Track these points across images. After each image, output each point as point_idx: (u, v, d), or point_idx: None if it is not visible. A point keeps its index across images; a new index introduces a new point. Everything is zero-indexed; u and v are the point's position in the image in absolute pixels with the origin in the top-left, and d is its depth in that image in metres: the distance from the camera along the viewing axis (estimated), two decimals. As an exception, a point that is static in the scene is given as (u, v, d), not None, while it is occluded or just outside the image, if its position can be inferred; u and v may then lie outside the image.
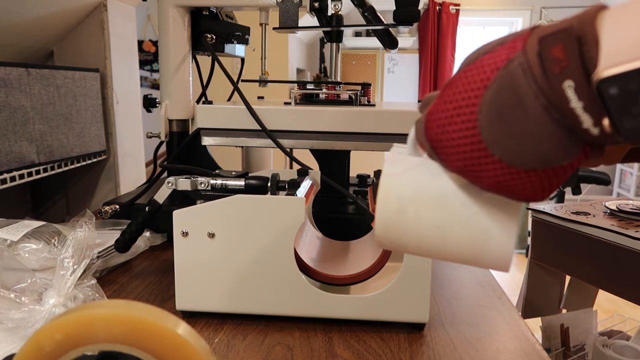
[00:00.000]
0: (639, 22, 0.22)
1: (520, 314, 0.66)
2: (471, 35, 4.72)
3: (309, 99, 0.90)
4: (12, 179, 0.85)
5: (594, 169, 3.32)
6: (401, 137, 0.77)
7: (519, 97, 0.25)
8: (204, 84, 0.97)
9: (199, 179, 0.62)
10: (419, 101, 0.99)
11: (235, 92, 0.85)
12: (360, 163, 1.06)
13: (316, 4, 0.84)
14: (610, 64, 0.22)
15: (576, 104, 0.24)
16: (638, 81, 0.22)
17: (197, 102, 0.94)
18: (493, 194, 0.30)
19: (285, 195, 0.56)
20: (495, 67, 0.27)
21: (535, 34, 0.25)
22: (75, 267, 0.53)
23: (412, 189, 0.33)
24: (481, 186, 0.30)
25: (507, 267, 0.31)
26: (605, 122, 0.23)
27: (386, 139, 0.77)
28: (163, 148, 0.96)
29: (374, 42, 4.13)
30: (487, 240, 0.31)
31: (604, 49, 0.23)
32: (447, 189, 0.32)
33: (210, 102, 0.85)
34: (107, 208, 0.82)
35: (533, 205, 1.29)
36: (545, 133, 0.25)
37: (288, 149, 0.80)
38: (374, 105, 0.86)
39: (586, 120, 0.24)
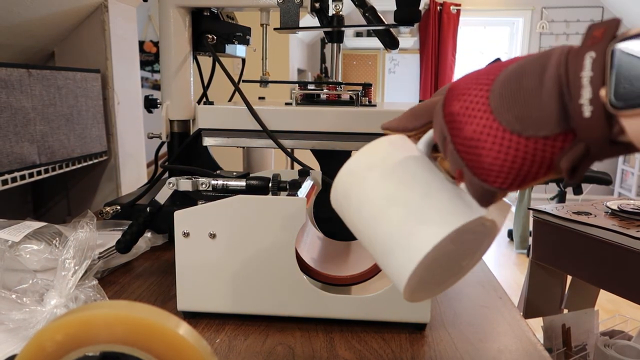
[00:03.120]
0: None
1: (521, 314, 0.66)
2: (472, 36, 4.72)
3: (309, 100, 0.90)
4: (14, 179, 0.85)
5: (594, 168, 3.31)
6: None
7: (542, 66, 0.28)
8: (205, 84, 0.97)
9: (200, 179, 0.62)
10: (420, 101, 0.99)
11: (236, 93, 0.85)
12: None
13: (317, 5, 0.84)
14: (629, 35, 0.25)
15: (587, 72, 0.26)
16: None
17: (198, 102, 0.94)
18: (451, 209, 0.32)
19: (287, 195, 0.56)
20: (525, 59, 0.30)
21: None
22: (76, 267, 0.53)
23: (391, 155, 0.35)
24: (470, 165, 0.31)
25: (400, 287, 0.33)
26: (603, 92, 0.25)
27: (387, 139, 0.77)
28: (164, 149, 0.96)
29: (374, 42, 4.13)
30: (405, 244, 0.32)
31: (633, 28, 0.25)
32: (417, 172, 0.34)
33: (211, 103, 0.85)
34: (108, 209, 0.82)
35: (535, 205, 1.29)
36: (548, 99, 0.27)
37: (289, 150, 0.80)
38: (375, 105, 0.86)
39: (585, 94, 0.26)
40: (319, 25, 0.87)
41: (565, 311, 1.31)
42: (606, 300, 2.36)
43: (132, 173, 1.25)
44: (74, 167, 1.03)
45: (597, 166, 3.70)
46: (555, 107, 0.27)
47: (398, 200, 0.33)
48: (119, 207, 0.84)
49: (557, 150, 0.28)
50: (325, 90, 0.90)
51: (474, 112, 0.30)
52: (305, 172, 0.68)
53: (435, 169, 0.34)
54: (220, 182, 0.62)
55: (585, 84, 0.26)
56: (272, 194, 0.59)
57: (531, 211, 1.24)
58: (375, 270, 0.56)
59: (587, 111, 0.26)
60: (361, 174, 0.36)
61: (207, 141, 0.82)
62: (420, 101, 1.02)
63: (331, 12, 0.86)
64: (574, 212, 1.17)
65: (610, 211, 1.16)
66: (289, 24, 0.82)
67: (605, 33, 0.26)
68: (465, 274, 0.37)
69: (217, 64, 0.86)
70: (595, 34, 0.26)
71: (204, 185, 0.61)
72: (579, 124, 0.26)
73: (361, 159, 0.36)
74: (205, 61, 0.96)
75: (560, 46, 0.28)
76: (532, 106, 0.28)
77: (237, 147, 0.85)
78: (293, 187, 0.59)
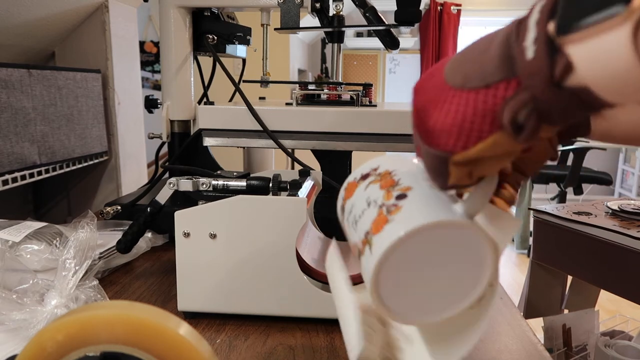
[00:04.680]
0: None
1: (522, 314, 0.66)
2: (473, 36, 4.72)
3: (310, 100, 0.90)
4: (14, 179, 0.85)
5: (595, 169, 3.31)
6: (403, 138, 0.77)
7: (495, 33, 0.28)
8: (206, 84, 0.98)
9: (200, 179, 0.62)
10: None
11: (237, 93, 0.85)
12: (361, 163, 1.06)
13: (317, 5, 0.84)
14: None
15: (533, 17, 0.25)
16: None
17: (199, 102, 0.94)
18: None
19: (287, 196, 0.56)
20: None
21: None
22: (77, 268, 0.53)
23: (386, 163, 0.37)
24: (422, 133, 0.30)
25: (368, 285, 0.32)
26: (550, 26, 0.24)
27: (388, 139, 0.77)
28: (164, 149, 0.96)
29: (375, 42, 4.13)
30: (375, 240, 0.32)
31: None
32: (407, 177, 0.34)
33: (212, 103, 0.85)
34: (108, 209, 0.82)
35: (535, 205, 1.29)
36: (493, 51, 0.27)
37: (289, 150, 0.80)
38: (375, 105, 0.86)
39: (530, 36, 0.25)
40: (319, 25, 0.87)
41: (566, 311, 1.31)
42: (607, 301, 2.36)
43: (133, 173, 1.25)
44: (75, 167, 1.03)
45: (597, 166, 3.70)
46: (497, 54, 0.26)
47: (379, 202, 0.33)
48: (119, 207, 0.84)
49: (499, 100, 0.26)
50: (325, 91, 0.90)
51: (430, 89, 0.31)
52: (305, 172, 0.68)
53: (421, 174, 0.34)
54: (220, 182, 0.62)
55: (530, 27, 0.25)
56: (273, 194, 0.59)
57: (531, 211, 1.24)
58: (375, 271, 0.56)
59: (529, 52, 0.25)
60: (354, 184, 0.36)
61: (208, 141, 0.82)
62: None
63: (332, 12, 0.86)
64: (574, 212, 1.17)
65: (610, 211, 1.16)
66: (290, 24, 0.82)
67: None
68: (473, 304, 0.33)
69: (217, 64, 0.86)
70: None
71: (204, 186, 0.61)
72: (521, 67, 0.25)
73: (357, 172, 0.37)
74: (206, 61, 0.96)
75: None
76: (478, 62, 0.28)
77: (238, 147, 0.85)
78: (293, 187, 0.59)
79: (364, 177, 0.37)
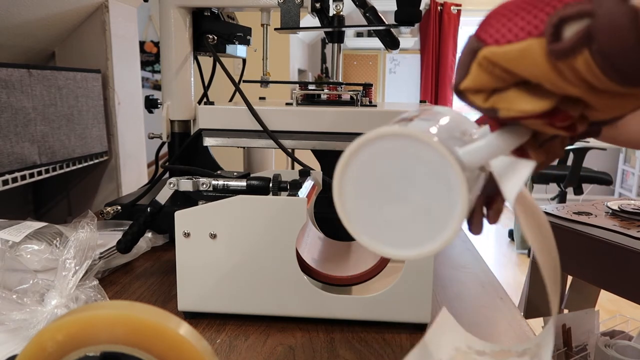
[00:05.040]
0: None
1: (522, 314, 0.66)
2: (472, 36, 4.71)
3: (310, 100, 0.90)
4: (14, 180, 0.85)
5: (595, 169, 3.31)
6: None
7: None
8: (206, 84, 0.97)
9: (200, 179, 0.62)
10: (421, 101, 0.99)
11: (237, 93, 0.85)
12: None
13: (317, 5, 0.84)
14: None
15: None
16: None
17: (199, 102, 0.94)
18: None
19: (287, 195, 0.56)
20: None
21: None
22: (77, 268, 0.53)
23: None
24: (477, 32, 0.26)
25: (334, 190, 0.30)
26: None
27: (388, 139, 0.77)
28: (165, 149, 0.96)
29: (375, 42, 4.13)
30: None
31: None
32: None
33: (212, 103, 0.85)
34: (109, 209, 0.82)
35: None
36: None
37: (289, 150, 0.80)
38: (375, 105, 0.86)
39: None
40: (319, 25, 0.87)
41: (566, 311, 1.31)
42: (607, 301, 2.36)
43: (133, 173, 1.25)
44: (75, 167, 1.03)
45: (597, 166, 3.70)
46: None
47: None
48: (119, 207, 0.84)
49: (558, 2, 0.22)
50: (325, 91, 0.90)
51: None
52: (305, 172, 0.68)
53: None
54: (220, 182, 0.62)
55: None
56: (273, 194, 0.59)
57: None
58: (376, 271, 0.56)
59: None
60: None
61: (208, 141, 0.82)
62: (420, 102, 1.02)
63: (332, 12, 0.86)
64: (574, 212, 1.17)
65: (610, 211, 1.16)
66: (290, 24, 0.82)
67: None
68: (439, 234, 0.29)
69: (217, 64, 0.86)
70: None
71: (204, 186, 0.61)
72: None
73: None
74: (206, 61, 0.96)
75: None
76: None
77: (238, 147, 0.85)
78: (294, 187, 0.59)
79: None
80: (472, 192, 0.30)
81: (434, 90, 4.47)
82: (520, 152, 0.28)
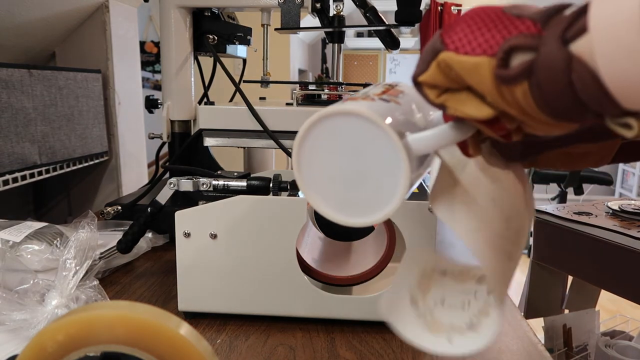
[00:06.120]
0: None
1: (522, 314, 0.66)
2: (473, 36, 4.70)
3: (310, 100, 0.90)
4: (15, 180, 0.85)
5: (596, 169, 3.31)
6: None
7: None
8: (206, 84, 0.98)
9: (201, 179, 0.62)
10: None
11: (237, 93, 0.85)
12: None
13: (318, 5, 0.84)
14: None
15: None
16: None
17: (199, 103, 0.94)
18: None
19: (287, 196, 0.56)
20: None
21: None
22: (77, 268, 0.53)
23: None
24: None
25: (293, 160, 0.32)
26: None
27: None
28: (165, 149, 0.96)
29: (375, 42, 4.13)
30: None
31: None
32: None
33: (212, 103, 0.85)
34: (109, 209, 0.82)
35: (535, 205, 1.29)
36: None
37: (290, 150, 0.80)
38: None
39: None
40: (319, 25, 0.87)
41: (566, 311, 1.31)
42: (607, 301, 2.36)
43: (133, 173, 1.25)
44: (75, 168, 1.03)
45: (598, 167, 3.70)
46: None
47: None
48: (120, 208, 0.84)
49: (514, 31, 0.24)
50: (326, 91, 0.90)
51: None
52: (306, 173, 0.68)
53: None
54: (221, 182, 0.62)
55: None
56: (273, 195, 0.59)
57: (532, 211, 1.24)
58: (376, 271, 0.56)
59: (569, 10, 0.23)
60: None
61: (208, 141, 0.82)
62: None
63: (332, 12, 0.86)
64: (574, 213, 1.17)
65: (611, 211, 1.16)
66: (290, 25, 0.82)
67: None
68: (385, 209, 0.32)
69: (218, 64, 0.86)
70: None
71: (205, 186, 0.61)
72: (552, 19, 0.23)
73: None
74: (206, 61, 0.96)
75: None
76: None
77: (238, 147, 0.85)
78: (294, 188, 0.59)
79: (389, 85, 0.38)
80: (418, 171, 0.33)
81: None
82: (463, 145, 0.31)
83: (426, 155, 0.33)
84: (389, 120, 0.30)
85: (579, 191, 3.11)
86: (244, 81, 0.97)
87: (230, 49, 0.94)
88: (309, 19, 0.89)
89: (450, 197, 0.34)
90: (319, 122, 0.31)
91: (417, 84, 0.29)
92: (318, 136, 0.31)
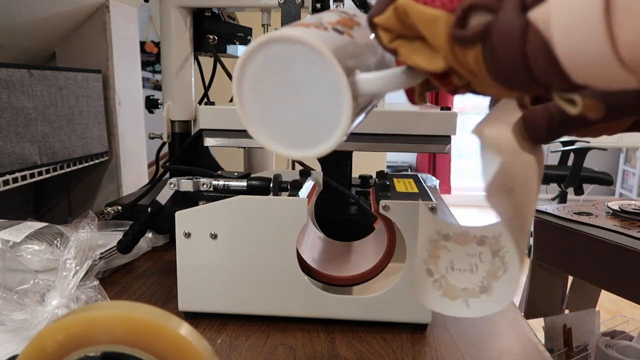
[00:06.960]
0: None
1: (522, 314, 0.66)
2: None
3: (310, 100, 0.89)
4: (15, 180, 0.85)
5: (596, 169, 3.31)
6: (403, 138, 0.77)
7: None
8: (206, 85, 0.98)
9: (201, 179, 0.62)
10: (420, 102, 0.99)
11: (237, 93, 0.85)
12: (362, 164, 1.06)
13: (318, 5, 0.84)
14: None
15: None
16: None
17: (199, 103, 0.94)
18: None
19: (288, 196, 0.56)
20: None
21: None
22: (77, 268, 0.53)
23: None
24: None
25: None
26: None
27: (388, 139, 0.77)
28: (165, 149, 0.96)
29: (375, 42, 4.13)
30: None
31: None
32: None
33: (213, 103, 0.85)
34: (109, 209, 0.82)
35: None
36: None
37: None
38: (375, 105, 0.86)
39: None
40: (320, 25, 0.87)
41: (567, 311, 1.31)
42: (607, 301, 2.35)
43: (134, 173, 1.25)
44: (75, 168, 1.03)
45: (598, 167, 3.70)
46: None
47: None
48: (120, 208, 0.84)
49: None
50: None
51: None
52: (306, 173, 0.68)
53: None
54: (221, 182, 0.62)
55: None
56: (274, 195, 0.59)
57: (532, 211, 1.24)
58: (376, 271, 0.56)
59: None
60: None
61: (208, 141, 0.82)
62: (421, 101, 1.01)
63: (332, 12, 0.86)
64: (575, 213, 1.17)
65: (611, 212, 1.16)
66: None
67: None
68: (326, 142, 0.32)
69: (218, 64, 0.86)
70: None
71: (205, 186, 0.61)
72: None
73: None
74: (207, 62, 0.96)
75: None
76: None
77: (238, 147, 0.85)
78: (294, 188, 0.59)
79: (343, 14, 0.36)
80: (362, 108, 0.32)
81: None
82: (410, 92, 0.31)
83: (367, 99, 0.32)
84: (338, 53, 0.28)
85: (579, 191, 3.11)
86: (244, 81, 0.97)
87: (230, 49, 0.94)
88: (309, 19, 0.89)
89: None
90: (260, 48, 0.28)
91: (372, 24, 0.28)
92: (259, 64, 0.29)
